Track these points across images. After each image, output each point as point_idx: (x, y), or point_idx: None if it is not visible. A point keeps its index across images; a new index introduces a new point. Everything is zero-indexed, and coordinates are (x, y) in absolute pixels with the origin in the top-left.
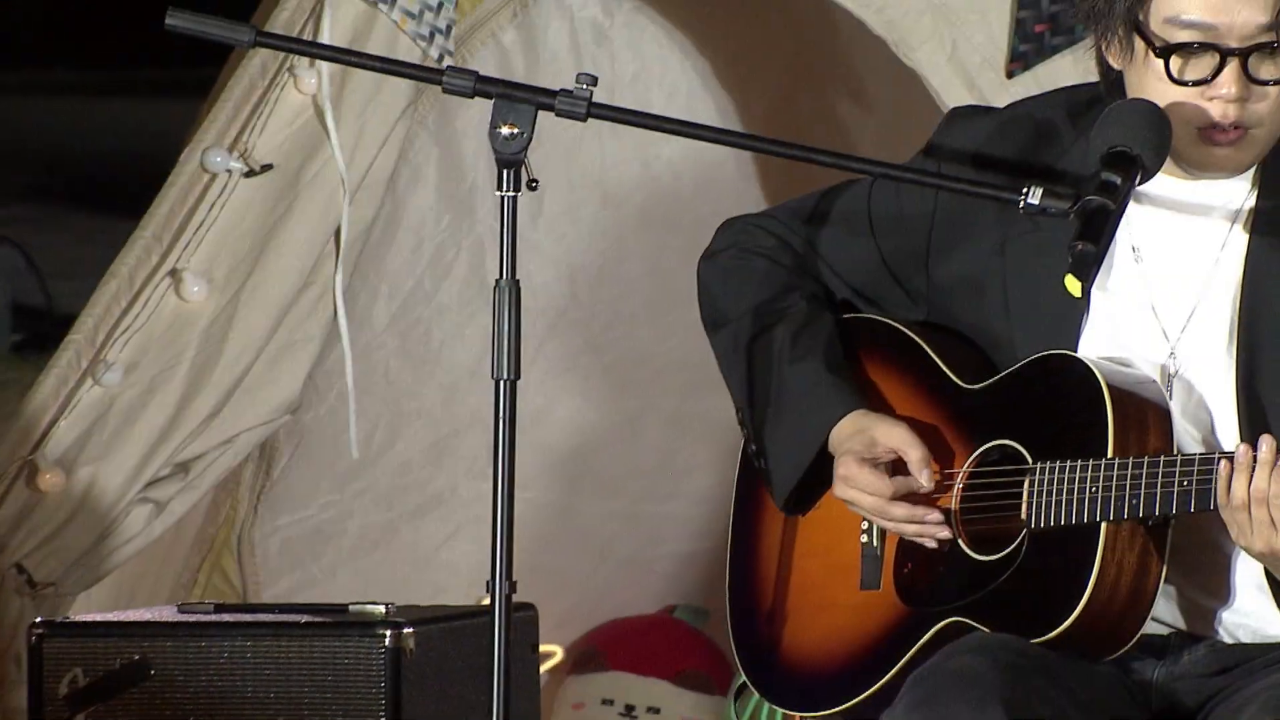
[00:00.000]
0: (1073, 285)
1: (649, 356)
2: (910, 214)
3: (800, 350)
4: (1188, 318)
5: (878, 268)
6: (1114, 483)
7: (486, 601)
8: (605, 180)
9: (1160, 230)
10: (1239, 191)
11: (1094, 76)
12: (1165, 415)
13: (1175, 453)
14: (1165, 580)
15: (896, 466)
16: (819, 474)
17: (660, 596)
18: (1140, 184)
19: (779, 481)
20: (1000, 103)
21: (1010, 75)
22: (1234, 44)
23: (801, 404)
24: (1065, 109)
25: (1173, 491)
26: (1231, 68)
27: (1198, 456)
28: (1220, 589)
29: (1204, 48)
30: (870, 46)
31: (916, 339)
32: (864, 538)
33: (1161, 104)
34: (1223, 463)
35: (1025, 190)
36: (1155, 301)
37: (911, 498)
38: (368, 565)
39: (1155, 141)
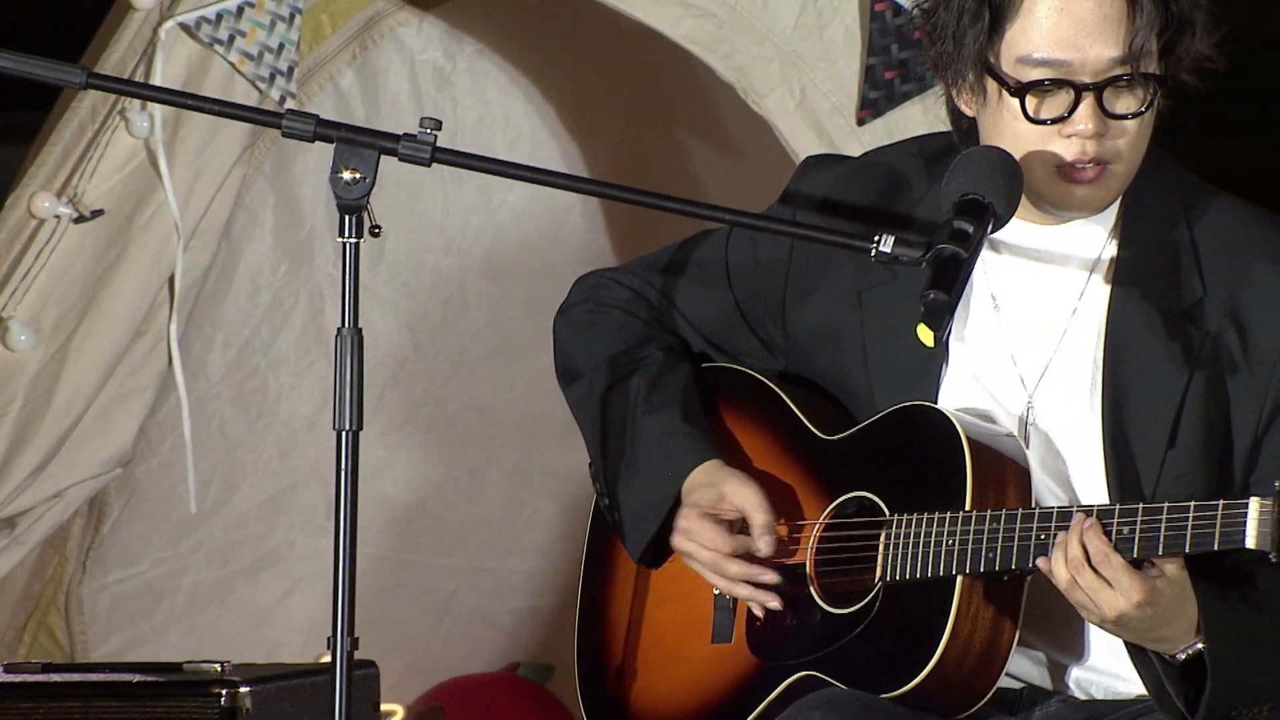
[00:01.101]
0: (925, 335)
1: (492, 408)
2: (766, 263)
3: (655, 401)
4: (1045, 367)
5: (733, 317)
6: (970, 536)
7: (326, 659)
8: (448, 227)
9: (1019, 278)
10: (1098, 239)
11: (945, 124)
12: (1024, 472)
13: (1034, 506)
14: (1020, 636)
15: (743, 524)
16: (672, 528)
17: (503, 653)
18: (992, 231)
19: (634, 533)
20: (851, 149)
21: (861, 122)
22: (1088, 79)
23: (655, 454)
24: (919, 157)
25: (1029, 545)
26: (1087, 103)
27: (1056, 510)
28: (1074, 646)
29: (1058, 84)
30: (720, 92)
31: (775, 388)
32: (715, 590)
33: (1018, 144)
34: (1041, 561)
35: (877, 239)
36: (1014, 350)
37: (751, 557)
38: (202, 623)
39: (1006, 189)
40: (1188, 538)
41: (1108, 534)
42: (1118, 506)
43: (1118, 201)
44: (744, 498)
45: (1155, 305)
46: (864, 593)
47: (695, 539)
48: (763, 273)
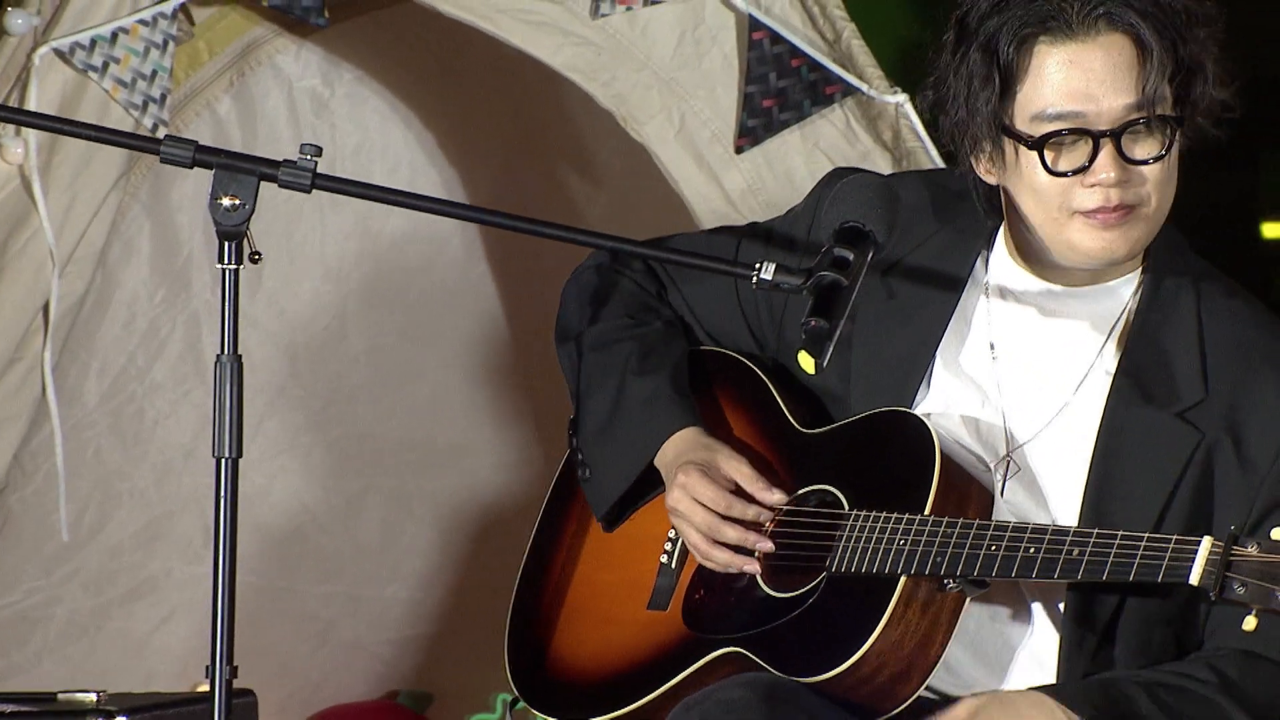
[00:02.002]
0: (806, 362)
1: (371, 435)
2: None
3: (646, 366)
4: (1035, 427)
5: (734, 314)
6: (923, 538)
7: (203, 687)
8: (326, 254)
9: (1024, 333)
10: (1112, 308)
11: (823, 152)
12: (989, 494)
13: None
14: (950, 655)
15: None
16: (640, 490)
17: (382, 682)
18: (873, 258)
19: (605, 490)
20: (730, 178)
21: (739, 150)
22: (1105, 127)
23: (638, 416)
24: (931, 195)
25: (978, 555)
26: (1106, 151)
27: (1011, 524)
28: (1001, 671)
29: (1075, 134)
30: (599, 119)
31: (763, 377)
32: (664, 557)
33: (1043, 201)
34: None
35: (759, 266)
36: (1005, 403)
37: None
38: (76, 652)
39: (886, 216)
40: (1134, 566)
41: (1056, 553)
42: (1073, 528)
43: (1136, 275)
44: (738, 469)
45: (1156, 401)
46: (808, 581)
47: (694, 495)
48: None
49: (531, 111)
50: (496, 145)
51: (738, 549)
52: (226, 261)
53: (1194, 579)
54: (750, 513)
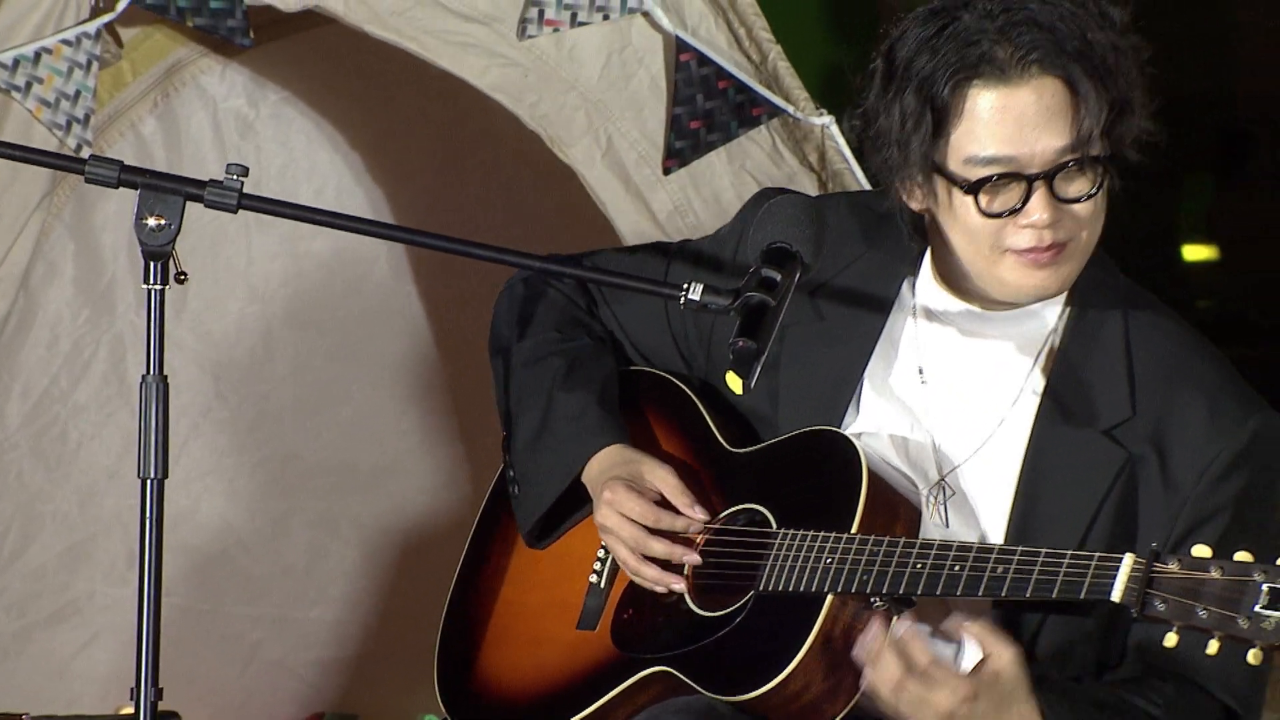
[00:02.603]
0: (734, 382)
1: (297, 456)
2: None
3: (574, 381)
4: (964, 452)
5: (664, 335)
6: (849, 557)
7: (127, 710)
8: (251, 275)
9: (951, 357)
10: (1039, 332)
11: (750, 174)
12: (916, 512)
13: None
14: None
15: (661, 502)
16: (568, 509)
17: (307, 703)
18: (801, 278)
19: (530, 505)
20: (657, 199)
21: (666, 171)
22: (1037, 170)
23: (565, 431)
24: (858, 217)
25: (904, 573)
26: (1039, 194)
27: (937, 542)
28: None
29: (1009, 178)
30: (526, 141)
31: (692, 397)
32: (593, 577)
33: (975, 237)
34: (867, 669)
35: (686, 286)
36: (934, 427)
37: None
38: None
39: (813, 236)
40: (1058, 583)
41: (981, 571)
42: (998, 545)
43: (1063, 302)
44: (663, 478)
45: (1083, 420)
46: (736, 600)
47: (621, 509)
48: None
49: (458, 133)
50: (423, 166)
51: (667, 566)
52: (152, 282)
53: (1116, 596)
54: (679, 524)
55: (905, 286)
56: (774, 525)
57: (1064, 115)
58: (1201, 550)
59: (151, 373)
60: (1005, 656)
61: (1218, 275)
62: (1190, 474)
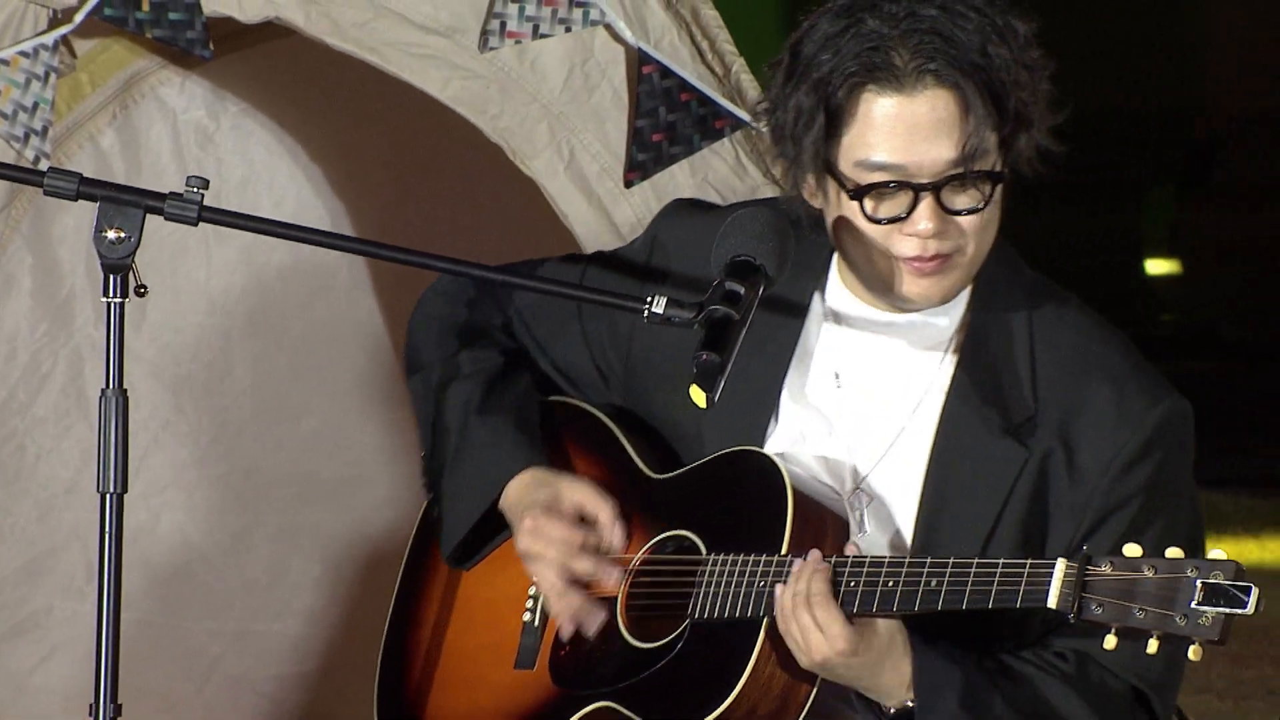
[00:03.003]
0: (698, 396)
1: (257, 469)
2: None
3: (491, 403)
4: (880, 454)
5: (579, 345)
6: (782, 579)
7: None
8: (211, 287)
9: (863, 361)
10: (945, 328)
11: (712, 186)
12: (844, 525)
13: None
14: (820, 691)
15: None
16: (490, 533)
17: (268, 719)
18: (765, 291)
19: (449, 529)
20: (619, 212)
21: (629, 184)
22: (925, 180)
23: (483, 454)
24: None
25: (838, 592)
26: (926, 203)
27: (868, 558)
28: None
29: (897, 186)
30: (487, 152)
31: (610, 425)
32: (526, 615)
33: (861, 240)
34: (778, 587)
35: (650, 299)
36: (850, 431)
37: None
38: None
39: (778, 249)
40: (993, 593)
41: (915, 585)
42: (929, 559)
43: (966, 294)
44: (582, 494)
45: (986, 418)
46: (672, 629)
47: (543, 535)
48: (614, 310)
49: (419, 145)
50: (384, 178)
51: (594, 596)
52: (112, 295)
53: (1052, 602)
54: (602, 542)
55: (816, 292)
56: (703, 551)
57: (955, 127)
58: (1133, 550)
59: (111, 386)
60: (884, 622)
61: (1181, 289)
62: (1098, 464)
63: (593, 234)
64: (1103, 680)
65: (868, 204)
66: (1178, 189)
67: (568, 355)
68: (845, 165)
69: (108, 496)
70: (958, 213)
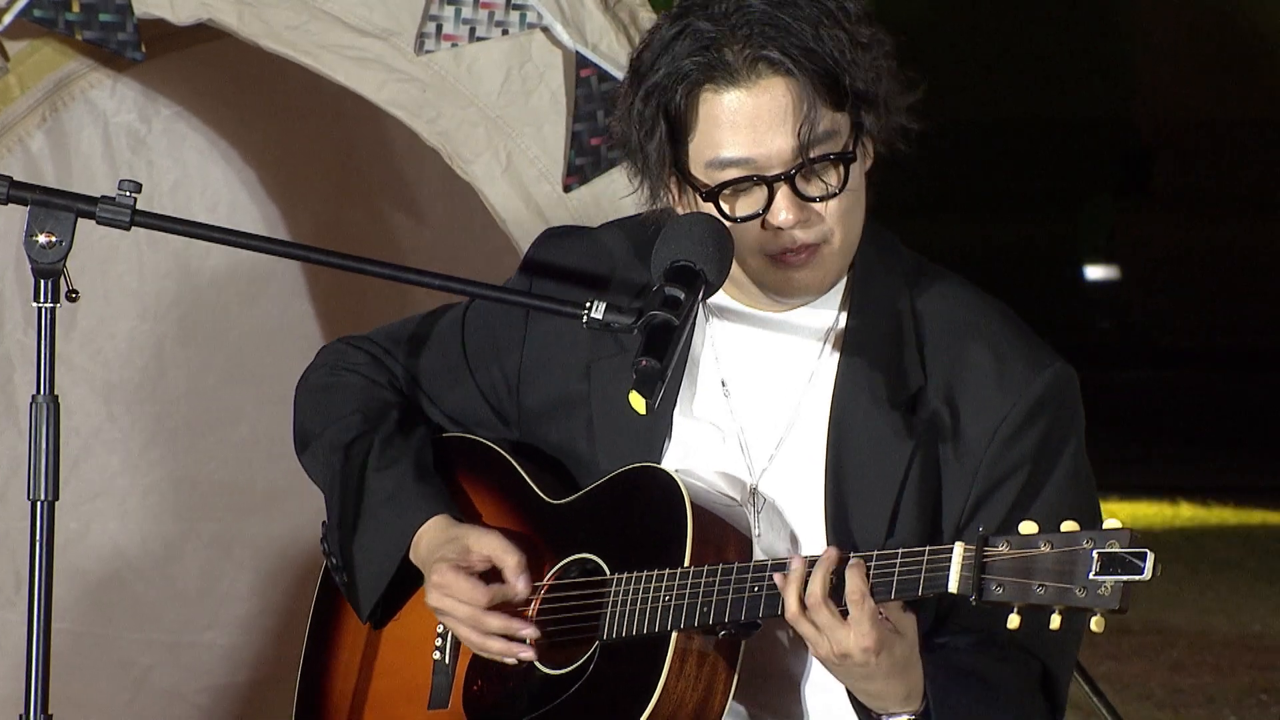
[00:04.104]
0: (637, 402)
1: (190, 478)
2: (502, 339)
3: (387, 459)
4: (774, 450)
5: (470, 391)
6: (686, 591)
7: None
8: (144, 292)
9: (748, 361)
10: (825, 319)
11: None
12: (745, 538)
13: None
14: (734, 700)
15: (489, 578)
16: (402, 586)
17: None
18: (705, 298)
19: (364, 590)
20: (558, 216)
21: (567, 189)
22: (777, 170)
23: (385, 512)
24: (634, 241)
25: (743, 598)
26: (782, 194)
27: (770, 562)
28: (790, 711)
29: (750, 181)
30: (424, 157)
31: (506, 457)
32: (436, 654)
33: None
34: (777, 575)
35: (589, 305)
36: (743, 433)
37: (504, 609)
38: None
39: (717, 255)
40: (894, 583)
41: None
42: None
43: (844, 284)
44: (489, 545)
45: (879, 393)
46: (583, 653)
47: (451, 594)
48: (499, 349)
49: (355, 148)
50: (319, 182)
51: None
52: (42, 300)
53: (953, 587)
54: (508, 593)
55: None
56: (607, 572)
57: (798, 114)
58: (1028, 527)
59: (42, 392)
60: (907, 620)
61: (1119, 295)
62: (984, 432)
63: (530, 238)
64: (1028, 664)
65: (724, 203)
66: (1115, 196)
67: (460, 401)
68: (697, 168)
69: (39, 504)
70: (815, 199)
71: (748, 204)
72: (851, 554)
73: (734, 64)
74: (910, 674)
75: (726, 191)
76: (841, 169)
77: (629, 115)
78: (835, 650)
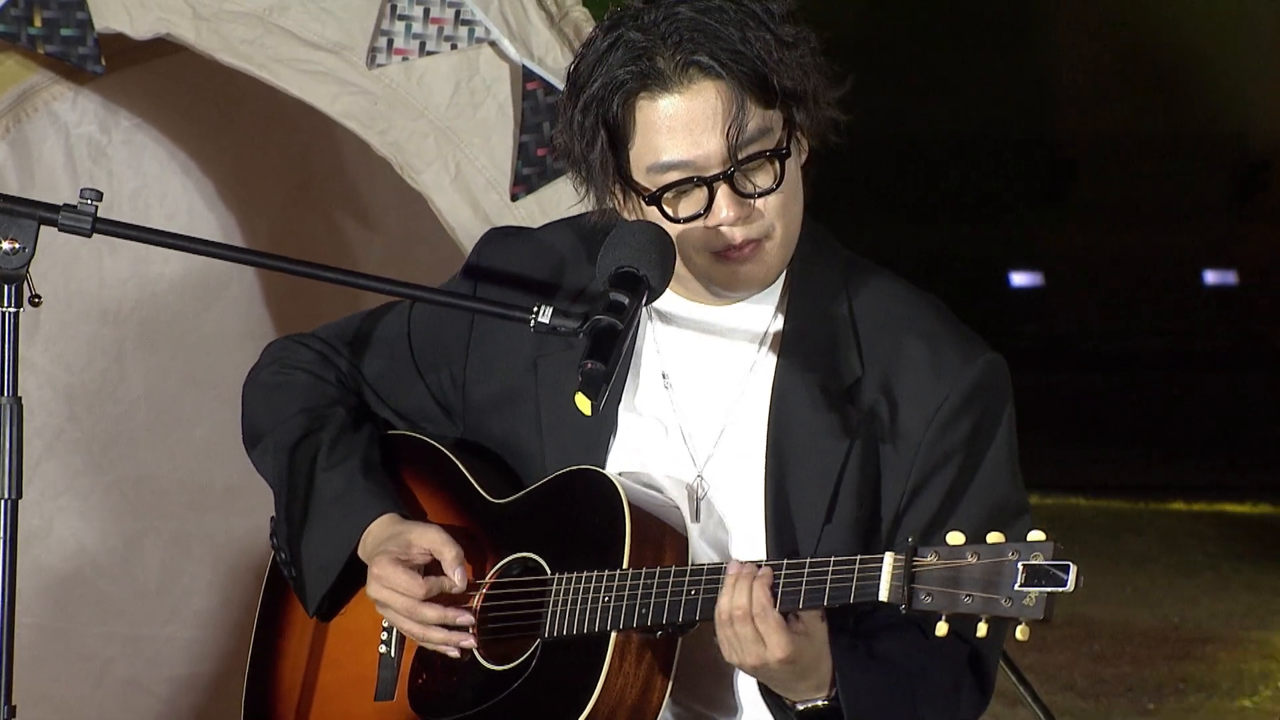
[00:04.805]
0: (583, 403)
1: (150, 477)
2: (448, 338)
3: (335, 458)
4: (716, 441)
5: (417, 387)
6: (625, 592)
7: None
8: (104, 297)
9: (689, 355)
10: (764, 316)
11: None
12: (683, 539)
13: (688, 565)
14: (672, 694)
15: (429, 571)
16: (349, 581)
17: None
18: (648, 303)
19: (311, 587)
20: (504, 222)
21: (515, 198)
22: (715, 170)
23: (334, 509)
24: (581, 239)
25: (680, 600)
26: (722, 193)
27: (706, 566)
28: (726, 703)
29: (690, 183)
30: (376, 167)
31: (449, 455)
32: (382, 648)
33: (677, 242)
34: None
35: (536, 309)
36: (684, 425)
37: (443, 600)
38: None
39: (660, 261)
40: (826, 591)
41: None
42: (763, 562)
43: (783, 279)
44: (430, 538)
45: (817, 383)
46: (525, 649)
47: (389, 584)
48: (446, 349)
49: (310, 159)
50: (275, 192)
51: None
52: (6, 305)
53: (884, 595)
54: (445, 585)
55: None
56: (548, 571)
57: (730, 115)
58: (956, 537)
59: (5, 394)
60: (816, 623)
61: (1043, 301)
62: (920, 419)
63: None
64: (956, 645)
65: (667, 206)
66: (1038, 207)
67: (408, 400)
68: (638, 174)
69: (2, 502)
70: (755, 195)
71: (689, 205)
72: (787, 561)
73: (666, 71)
74: (820, 668)
75: (668, 194)
76: (777, 165)
77: (570, 127)
78: (751, 661)
